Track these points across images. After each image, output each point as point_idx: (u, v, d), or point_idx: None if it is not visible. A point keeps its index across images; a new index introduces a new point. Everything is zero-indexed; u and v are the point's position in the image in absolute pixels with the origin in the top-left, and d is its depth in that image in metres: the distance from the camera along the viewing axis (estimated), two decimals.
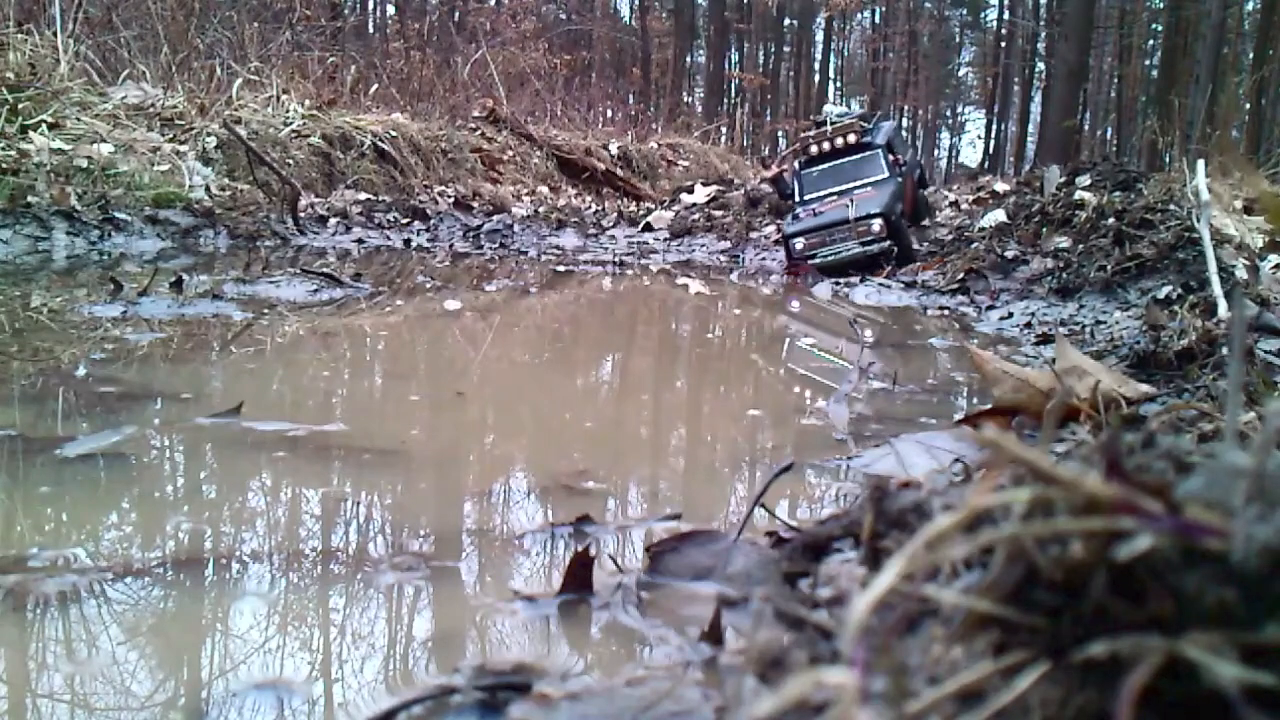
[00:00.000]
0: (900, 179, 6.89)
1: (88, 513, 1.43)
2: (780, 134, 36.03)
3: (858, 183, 6.79)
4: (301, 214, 7.26)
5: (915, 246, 6.50)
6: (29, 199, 5.39)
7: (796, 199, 7.08)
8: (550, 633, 1.07)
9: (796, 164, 7.32)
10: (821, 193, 6.87)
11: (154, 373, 2.44)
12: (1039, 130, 27.69)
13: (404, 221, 8.28)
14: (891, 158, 6.98)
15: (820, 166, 7.09)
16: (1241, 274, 3.52)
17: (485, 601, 1.17)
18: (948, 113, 48.42)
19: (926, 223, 7.79)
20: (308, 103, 9.35)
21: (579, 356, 3.32)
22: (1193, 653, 0.45)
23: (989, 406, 1.88)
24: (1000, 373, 1.84)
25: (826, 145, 7.07)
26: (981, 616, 0.52)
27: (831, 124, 7.24)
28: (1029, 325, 3.92)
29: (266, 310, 3.64)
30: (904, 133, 9.96)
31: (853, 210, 6.27)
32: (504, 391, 2.56)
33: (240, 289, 4.10)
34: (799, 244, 6.32)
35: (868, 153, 7.02)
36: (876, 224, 6.18)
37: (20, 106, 6.31)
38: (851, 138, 7.01)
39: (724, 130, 22.32)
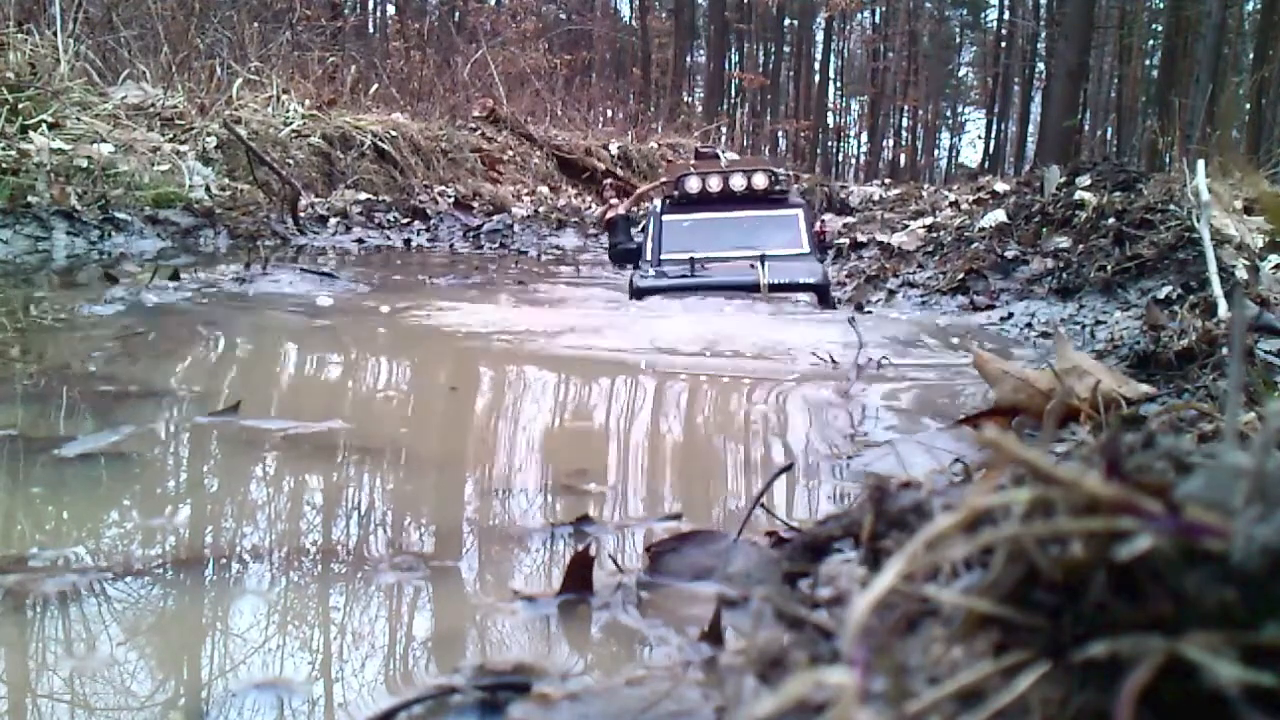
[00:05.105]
0: (823, 263, 4.70)
1: (87, 512, 1.43)
2: (780, 134, 36.05)
3: (756, 251, 4.44)
4: (301, 214, 7.26)
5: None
6: (29, 199, 5.40)
7: (650, 254, 4.67)
8: (550, 633, 1.07)
9: (657, 204, 4.99)
10: (695, 253, 4.42)
11: (152, 372, 2.44)
12: (1039, 130, 27.69)
13: (404, 221, 8.29)
14: (818, 229, 4.83)
15: (698, 215, 4.74)
16: (1241, 274, 3.52)
17: (485, 601, 1.17)
18: (948, 113, 48.42)
19: None
20: (308, 103, 9.36)
21: (576, 350, 3.32)
22: (1193, 653, 0.45)
23: (990, 407, 1.88)
24: (1001, 373, 1.84)
25: (716, 184, 4.76)
26: (981, 616, 0.52)
27: (727, 161, 5.04)
28: (1029, 325, 3.92)
29: (266, 309, 3.64)
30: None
31: (765, 274, 4.13)
32: (502, 389, 2.56)
33: (240, 288, 4.10)
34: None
35: (782, 210, 4.77)
36: (804, 301, 4.11)
37: (20, 106, 6.31)
38: (760, 180, 4.75)
39: (724, 130, 22.33)
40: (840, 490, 1.63)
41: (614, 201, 5.37)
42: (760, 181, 4.76)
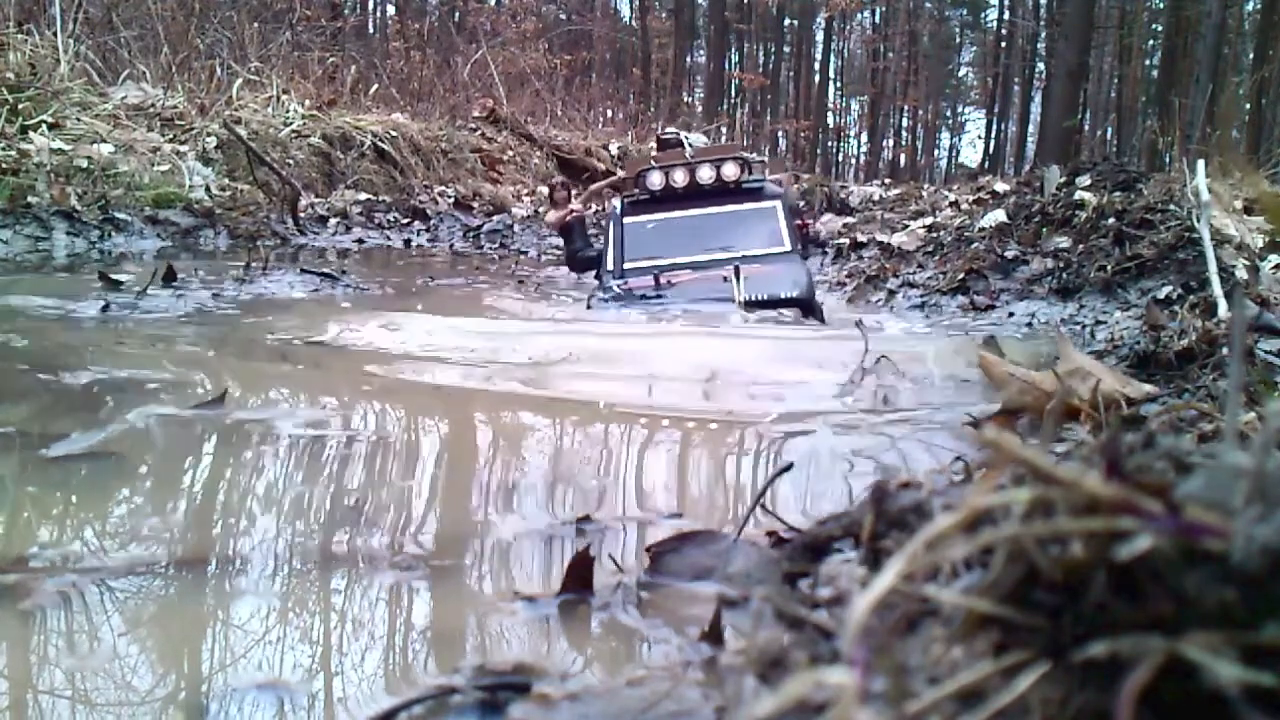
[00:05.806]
0: (806, 260, 4.15)
1: (84, 510, 1.43)
2: (780, 134, 36.05)
3: (731, 254, 3.94)
4: (301, 214, 7.26)
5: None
6: (29, 199, 5.40)
7: (612, 263, 4.08)
8: (550, 632, 1.07)
9: (617, 205, 4.36)
10: (660, 260, 3.95)
11: (150, 370, 2.44)
12: (1039, 130, 27.67)
13: (404, 221, 8.29)
14: (799, 223, 4.24)
15: (663, 215, 4.13)
16: (1241, 274, 3.52)
17: (485, 601, 1.17)
18: (948, 113, 48.39)
19: None
20: (308, 103, 9.36)
21: (575, 338, 3.32)
22: (1193, 653, 0.45)
23: (995, 409, 1.88)
24: (1006, 376, 1.84)
25: (681, 177, 4.13)
26: (981, 616, 0.52)
27: (692, 149, 4.44)
28: (1029, 325, 3.92)
29: (264, 308, 3.64)
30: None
31: (740, 289, 3.55)
32: (501, 383, 2.56)
33: (239, 287, 4.10)
34: None
35: (757, 203, 4.15)
36: (791, 318, 3.54)
37: (20, 106, 6.31)
38: (730, 170, 4.13)
39: (724, 130, 22.32)
40: (841, 490, 1.63)
41: (574, 207, 4.74)
42: (730, 172, 4.14)
